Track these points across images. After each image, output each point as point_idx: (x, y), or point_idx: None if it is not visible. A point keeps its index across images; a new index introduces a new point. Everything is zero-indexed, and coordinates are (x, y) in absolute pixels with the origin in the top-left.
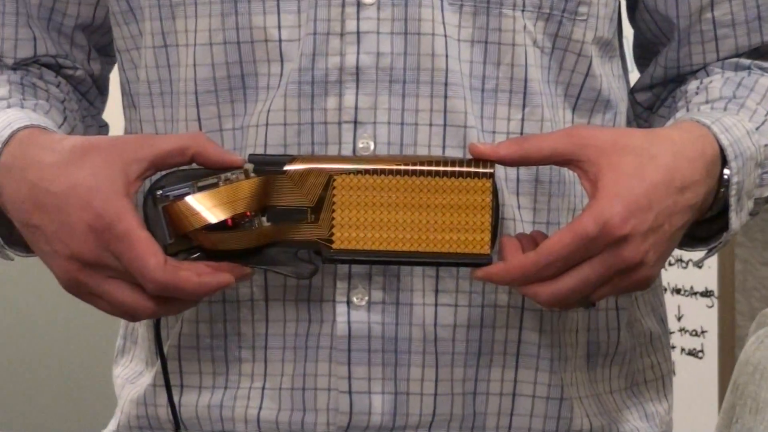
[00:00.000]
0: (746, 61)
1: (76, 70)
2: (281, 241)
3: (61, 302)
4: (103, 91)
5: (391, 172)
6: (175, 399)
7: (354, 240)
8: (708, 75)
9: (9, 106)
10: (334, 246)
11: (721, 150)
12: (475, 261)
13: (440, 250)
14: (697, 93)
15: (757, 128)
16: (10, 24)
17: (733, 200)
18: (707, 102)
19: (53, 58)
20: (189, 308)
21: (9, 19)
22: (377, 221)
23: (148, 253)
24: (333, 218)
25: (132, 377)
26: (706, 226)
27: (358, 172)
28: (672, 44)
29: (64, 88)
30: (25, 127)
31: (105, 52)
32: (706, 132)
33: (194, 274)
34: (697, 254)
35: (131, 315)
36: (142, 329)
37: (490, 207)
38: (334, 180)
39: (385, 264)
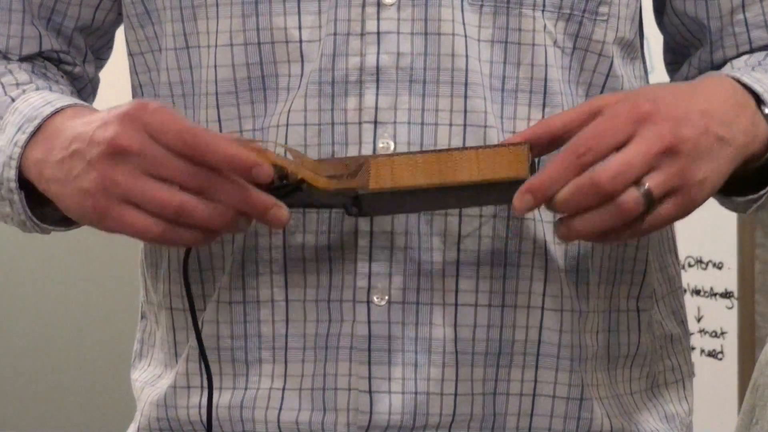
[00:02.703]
0: None
1: (75, 66)
2: (318, 191)
3: (80, 306)
4: (95, 91)
5: (425, 152)
6: (195, 400)
7: (390, 182)
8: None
9: (38, 88)
10: (371, 186)
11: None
12: (513, 185)
13: (478, 179)
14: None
15: None
16: (16, 21)
17: None
18: (732, 69)
19: (56, 53)
20: (214, 234)
21: (16, 17)
22: (413, 174)
23: (178, 116)
24: (369, 173)
25: (151, 380)
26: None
27: (393, 154)
28: (705, 47)
29: (63, 81)
30: (75, 104)
31: (98, 55)
32: (733, 82)
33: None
34: (718, 258)
35: (169, 213)
36: (160, 332)
37: (527, 158)
38: (371, 160)
39: (422, 206)
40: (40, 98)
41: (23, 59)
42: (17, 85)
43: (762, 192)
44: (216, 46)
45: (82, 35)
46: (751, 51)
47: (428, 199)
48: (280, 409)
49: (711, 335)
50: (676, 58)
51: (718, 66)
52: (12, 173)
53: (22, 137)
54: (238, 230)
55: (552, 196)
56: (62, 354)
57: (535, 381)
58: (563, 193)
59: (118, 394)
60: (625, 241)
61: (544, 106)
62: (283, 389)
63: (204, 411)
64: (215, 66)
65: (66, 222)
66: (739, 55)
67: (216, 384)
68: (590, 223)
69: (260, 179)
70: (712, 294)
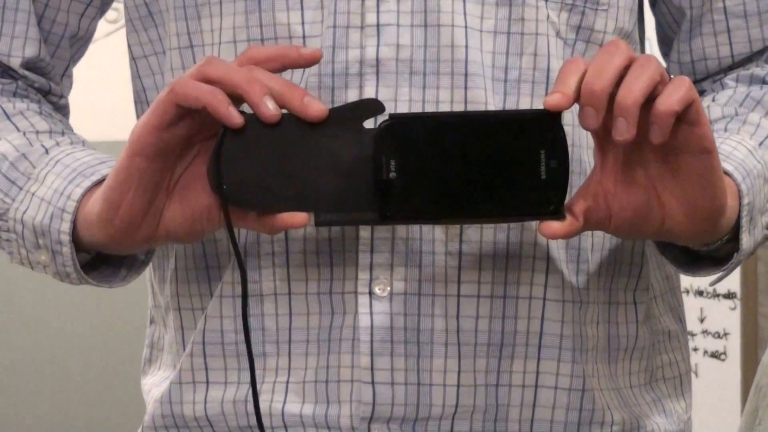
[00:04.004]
0: (761, 72)
1: (61, 98)
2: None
3: (89, 312)
4: (68, 118)
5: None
6: (201, 395)
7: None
8: (723, 88)
9: (73, 143)
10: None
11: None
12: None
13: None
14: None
15: (760, 144)
16: (22, 21)
17: (744, 221)
18: (710, 123)
19: (47, 82)
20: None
21: (21, 17)
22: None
23: None
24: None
25: (159, 382)
26: (717, 252)
27: None
28: (683, 35)
29: (65, 121)
30: None
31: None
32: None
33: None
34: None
35: (197, 72)
36: (168, 335)
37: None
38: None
39: (445, 129)
40: (89, 155)
41: (24, 64)
42: (36, 133)
43: (724, 267)
44: (220, 43)
45: (69, 43)
46: (730, 42)
47: (454, 119)
48: (285, 402)
49: (714, 336)
50: (666, 50)
51: (698, 64)
52: (66, 226)
53: (78, 191)
54: (261, 108)
55: (575, 85)
56: (71, 362)
57: (537, 372)
58: (590, 68)
59: (127, 402)
60: (683, 100)
61: (546, 95)
62: (287, 382)
63: (210, 406)
64: None
65: (104, 277)
66: (717, 47)
67: (221, 379)
68: (632, 82)
69: (314, 56)
70: (715, 295)
